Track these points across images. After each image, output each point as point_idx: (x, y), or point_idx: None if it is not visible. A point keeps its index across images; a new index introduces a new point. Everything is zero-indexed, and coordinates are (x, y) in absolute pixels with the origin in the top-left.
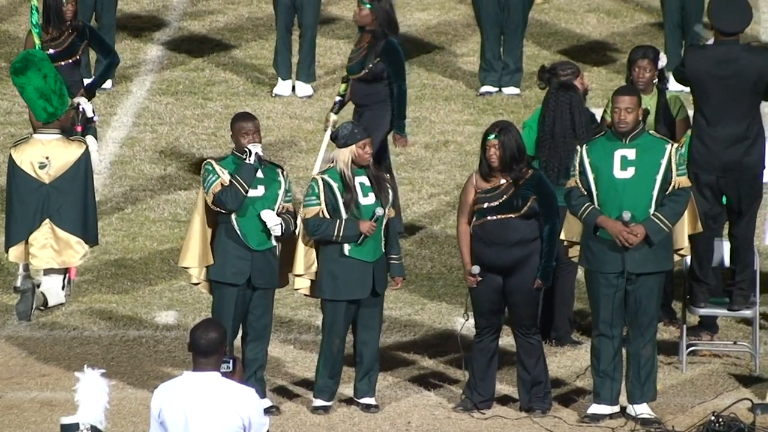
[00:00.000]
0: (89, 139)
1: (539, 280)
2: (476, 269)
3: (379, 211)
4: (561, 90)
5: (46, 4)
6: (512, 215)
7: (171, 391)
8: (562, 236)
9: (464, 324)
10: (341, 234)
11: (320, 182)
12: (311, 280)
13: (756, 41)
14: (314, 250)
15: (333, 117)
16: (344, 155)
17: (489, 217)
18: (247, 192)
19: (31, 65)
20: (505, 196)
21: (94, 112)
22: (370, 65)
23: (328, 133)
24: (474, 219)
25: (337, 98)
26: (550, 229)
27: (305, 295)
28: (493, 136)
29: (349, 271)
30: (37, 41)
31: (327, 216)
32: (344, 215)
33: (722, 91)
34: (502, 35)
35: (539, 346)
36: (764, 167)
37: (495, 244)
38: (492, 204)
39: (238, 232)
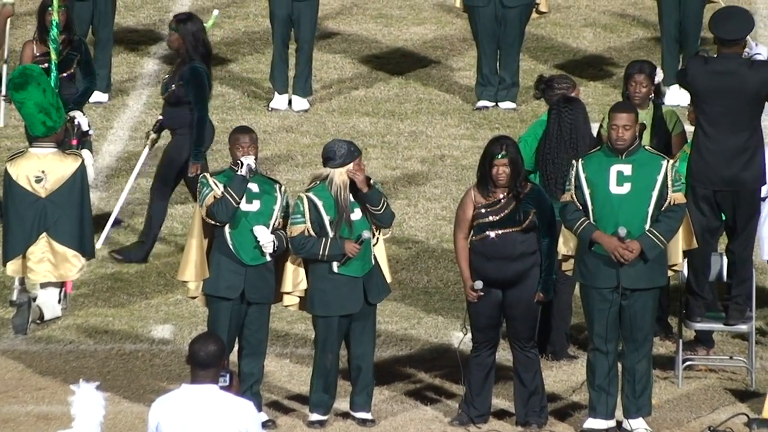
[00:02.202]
0: (85, 152)
1: (541, 294)
2: (479, 284)
3: (366, 234)
4: (564, 104)
5: (39, 18)
6: (514, 229)
7: (169, 404)
8: (558, 249)
9: (462, 339)
10: (326, 253)
11: (305, 200)
12: (300, 297)
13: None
14: (303, 267)
15: (153, 136)
16: (342, 176)
17: (489, 232)
18: (238, 204)
19: (31, 80)
20: (506, 211)
21: (89, 125)
22: (173, 87)
23: (146, 150)
24: (472, 234)
25: (159, 117)
26: (549, 242)
27: (294, 309)
28: (501, 155)
29: (339, 286)
30: (54, 57)
31: (312, 234)
32: (330, 234)
33: (722, 104)
34: (498, 50)
35: (536, 360)
36: (764, 182)
37: (496, 259)
38: (494, 219)
39: (231, 246)
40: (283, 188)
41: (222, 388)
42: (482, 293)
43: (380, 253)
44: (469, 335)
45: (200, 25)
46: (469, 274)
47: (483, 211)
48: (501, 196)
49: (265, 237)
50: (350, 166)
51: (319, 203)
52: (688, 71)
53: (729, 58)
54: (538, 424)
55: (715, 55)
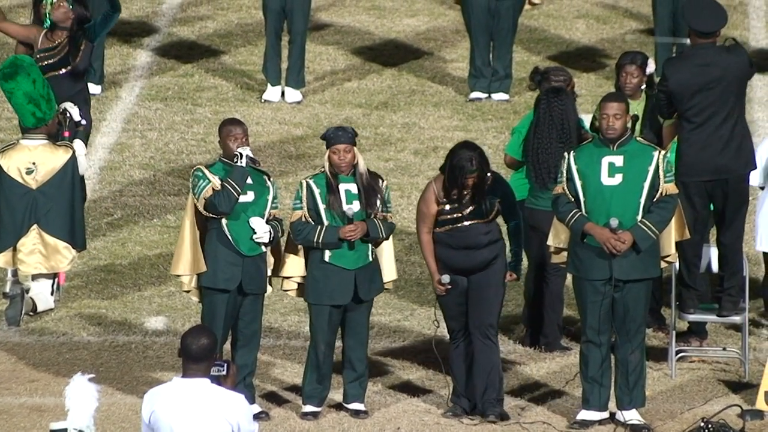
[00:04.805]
0: (78, 143)
1: (512, 273)
2: (446, 278)
3: (355, 207)
4: (552, 94)
5: (35, 7)
6: (479, 221)
7: (161, 397)
8: (550, 242)
9: (436, 331)
10: (321, 240)
11: (304, 186)
12: (299, 283)
13: (730, 40)
14: (303, 252)
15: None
16: (326, 158)
17: (456, 225)
18: (239, 195)
19: (21, 70)
20: (473, 206)
21: (81, 115)
22: (77, 60)
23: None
24: (437, 226)
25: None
26: (515, 225)
27: (293, 294)
28: (472, 171)
29: (329, 276)
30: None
31: (310, 220)
32: (325, 221)
33: (707, 95)
34: (491, 41)
35: (496, 349)
36: (754, 167)
37: (464, 249)
38: (460, 214)
39: (230, 237)
40: (272, 179)
41: (219, 377)
42: (450, 287)
43: (388, 247)
44: (444, 328)
45: (86, 3)
46: (436, 268)
47: (447, 207)
48: (465, 191)
49: (261, 228)
50: (328, 152)
51: (316, 191)
52: (668, 77)
53: (707, 49)
54: (494, 415)
55: (690, 49)
